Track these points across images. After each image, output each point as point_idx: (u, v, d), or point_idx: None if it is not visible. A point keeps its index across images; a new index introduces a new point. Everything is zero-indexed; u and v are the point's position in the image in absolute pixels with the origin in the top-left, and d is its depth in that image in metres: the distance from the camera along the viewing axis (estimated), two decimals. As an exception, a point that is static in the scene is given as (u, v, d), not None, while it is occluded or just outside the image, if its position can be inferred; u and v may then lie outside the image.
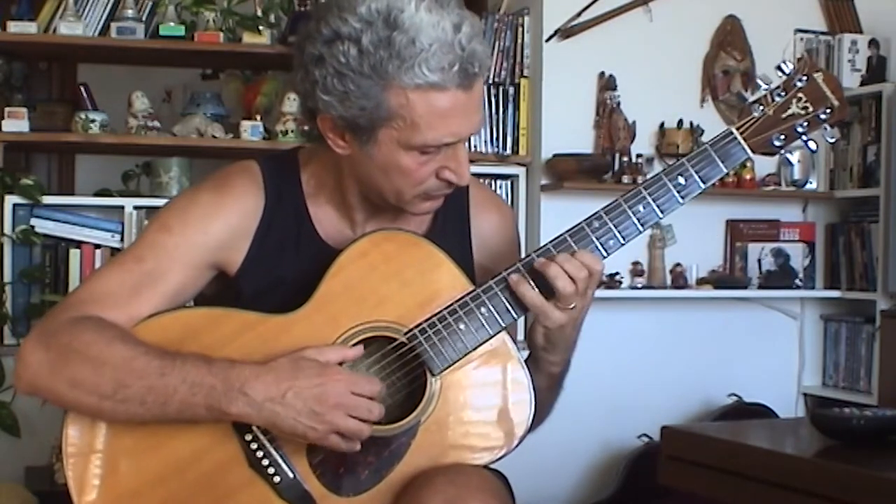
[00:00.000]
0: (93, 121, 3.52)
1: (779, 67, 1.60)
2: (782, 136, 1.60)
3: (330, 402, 1.48)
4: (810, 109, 1.60)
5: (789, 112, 1.60)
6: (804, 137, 1.61)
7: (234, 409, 1.49)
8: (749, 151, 1.60)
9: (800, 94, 1.60)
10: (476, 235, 1.74)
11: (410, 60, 1.46)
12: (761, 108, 1.60)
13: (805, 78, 1.60)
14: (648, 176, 1.64)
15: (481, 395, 1.61)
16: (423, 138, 1.51)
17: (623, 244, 1.60)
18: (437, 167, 1.55)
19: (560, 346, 1.62)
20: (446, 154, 1.55)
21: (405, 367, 1.60)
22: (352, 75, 1.48)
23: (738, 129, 1.60)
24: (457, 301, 1.58)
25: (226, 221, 1.63)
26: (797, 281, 4.12)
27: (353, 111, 1.50)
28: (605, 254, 1.59)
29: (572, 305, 1.56)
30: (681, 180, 1.59)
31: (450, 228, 1.71)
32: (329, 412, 1.48)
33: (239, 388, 1.49)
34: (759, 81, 1.61)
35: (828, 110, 1.60)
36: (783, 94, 1.60)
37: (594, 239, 1.58)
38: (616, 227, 1.59)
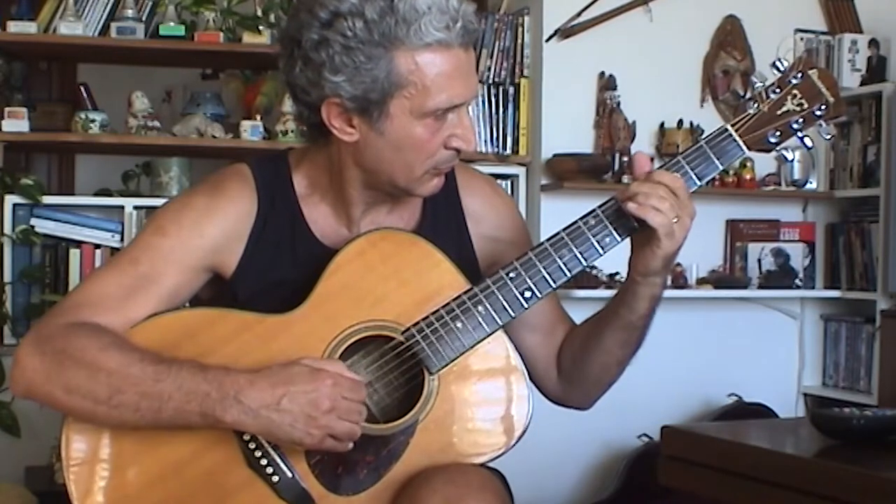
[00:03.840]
0: (93, 121, 3.52)
1: (774, 65, 1.60)
2: (777, 133, 1.60)
3: (324, 407, 1.48)
4: (805, 106, 1.60)
5: (784, 109, 1.60)
6: (800, 134, 1.61)
7: (229, 416, 1.49)
8: (744, 148, 1.60)
9: (795, 91, 1.60)
10: (470, 213, 1.74)
11: (416, 23, 1.49)
12: (756, 105, 1.60)
13: (800, 75, 1.60)
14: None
15: (480, 394, 1.62)
16: (434, 102, 1.53)
17: (620, 242, 1.60)
18: (445, 136, 1.57)
19: (670, 264, 1.61)
20: (452, 121, 1.57)
21: (403, 366, 1.60)
22: (361, 47, 1.50)
23: (733, 125, 1.60)
24: (454, 300, 1.58)
25: (220, 224, 1.63)
26: (797, 281, 4.12)
27: (364, 85, 1.51)
28: (601, 252, 1.59)
29: (673, 217, 1.54)
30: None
31: (441, 213, 1.72)
32: (324, 416, 1.48)
33: (234, 395, 1.48)
34: (754, 79, 1.61)
35: (823, 107, 1.60)
36: (778, 90, 1.60)
37: (591, 237, 1.58)
38: (612, 225, 1.59)
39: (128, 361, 1.51)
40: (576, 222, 1.59)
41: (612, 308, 1.68)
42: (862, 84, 4.06)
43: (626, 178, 3.78)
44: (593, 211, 1.60)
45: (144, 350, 1.54)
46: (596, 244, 1.59)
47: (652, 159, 4.15)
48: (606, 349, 1.69)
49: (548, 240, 1.60)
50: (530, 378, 1.75)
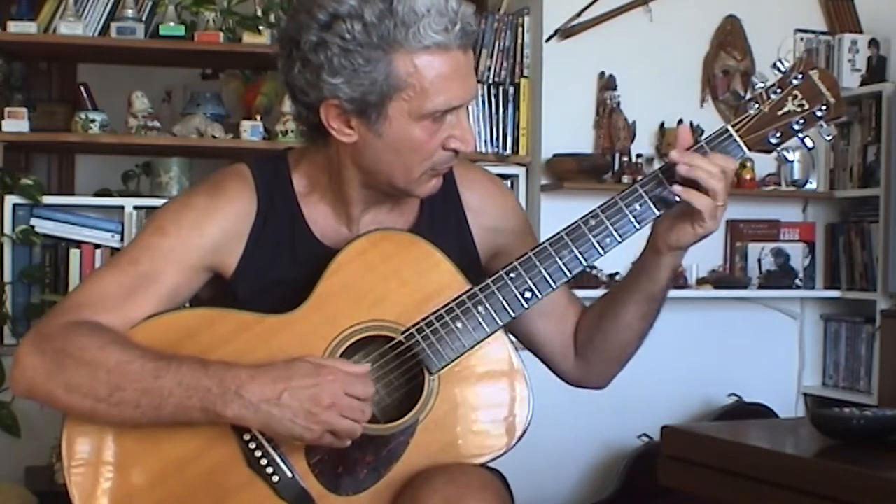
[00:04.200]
0: (93, 121, 3.52)
1: (775, 65, 1.60)
2: (778, 134, 1.60)
3: (324, 403, 1.48)
4: (806, 107, 1.60)
5: (785, 109, 1.60)
6: (800, 135, 1.61)
7: (230, 411, 1.49)
8: (745, 149, 1.59)
9: (795, 92, 1.60)
10: (470, 207, 1.74)
11: (415, 25, 1.49)
12: (757, 105, 1.60)
13: (801, 76, 1.60)
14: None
15: (480, 394, 1.62)
16: (432, 104, 1.53)
17: (620, 242, 1.60)
18: (444, 137, 1.57)
19: (702, 239, 1.62)
20: (451, 122, 1.57)
21: (403, 367, 1.60)
22: (360, 49, 1.50)
23: (733, 126, 1.60)
24: (454, 300, 1.58)
25: (220, 224, 1.63)
26: (797, 281, 4.12)
27: (363, 88, 1.51)
28: (602, 252, 1.60)
29: (721, 202, 1.56)
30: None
31: (440, 210, 1.72)
32: (324, 412, 1.48)
33: (235, 390, 1.48)
34: (755, 79, 1.61)
35: (824, 107, 1.60)
36: (779, 91, 1.60)
37: (591, 237, 1.58)
38: (613, 226, 1.59)
39: (128, 358, 1.51)
40: (576, 222, 1.59)
41: (632, 281, 1.68)
42: (862, 84, 4.06)
43: (626, 178, 3.78)
44: (593, 211, 1.59)
45: (145, 348, 1.54)
46: (596, 244, 1.59)
47: (652, 160, 4.15)
48: (626, 323, 1.70)
49: (548, 240, 1.60)
50: (548, 363, 1.77)
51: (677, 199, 1.57)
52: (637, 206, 1.59)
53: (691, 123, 3.91)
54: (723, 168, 1.55)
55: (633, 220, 1.58)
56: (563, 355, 1.77)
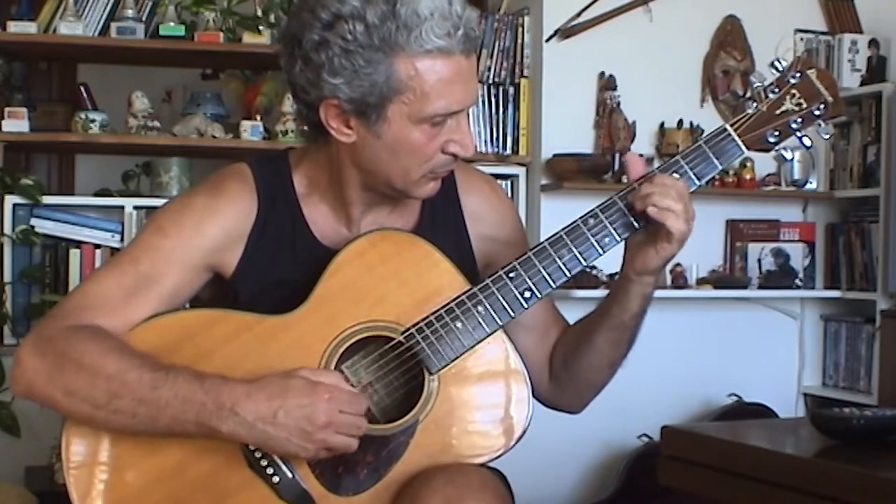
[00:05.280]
0: (93, 121, 3.52)
1: (773, 65, 1.60)
2: (776, 133, 1.60)
3: (320, 422, 1.48)
4: (804, 106, 1.60)
5: (783, 108, 1.60)
6: (798, 134, 1.61)
7: (225, 427, 1.49)
8: (743, 148, 1.60)
9: (793, 91, 1.60)
10: (469, 212, 1.74)
11: (417, 29, 1.48)
12: (755, 104, 1.60)
13: (798, 75, 1.60)
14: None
15: (480, 394, 1.62)
16: (432, 108, 1.52)
17: (619, 242, 1.60)
18: (443, 141, 1.57)
19: (667, 263, 1.62)
20: (451, 127, 1.56)
21: (403, 367, 1.60)
22: (361, 51, 1.49)
23: (732, 125, 1.60)
24: (454, 300, 1.58)
25: (220, 224, 1.63)
26: (797, 281, 4.12)
27: (362, 89, 1.51)
28: (601, 252, 1.60)
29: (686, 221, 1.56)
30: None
31: (440, 213, 1.72)
32: (319, 431, 1.48)
33: (230, 407, 1.48)
34: (753, 79, 1.61)
35: (822, 106, 1.60)
36: (777, 90, 1.60)
37: (590, 237, 1.58)
38: (612, 225, 1.59)
39: (126, 367, 1.51)
40: (575, 222, 1.59)
41: (604, 308, 1.68)
42: (862, 84, 4.06)
43: (626, 178, 3.78)
44: (592, 211, 1.60)
45: (144, 355, 1.53)
46: (595, 244, 1.59)
47: (651, 160, 4.14)
48: (597, 350, 1.69)
49: (547, 240, 1.60)
50: None
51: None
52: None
53: (691, 123, 3.91)
54: (675, 188, 1.55)
55: (631, 219, 1.58)
56: (537, 374, 1.74)
